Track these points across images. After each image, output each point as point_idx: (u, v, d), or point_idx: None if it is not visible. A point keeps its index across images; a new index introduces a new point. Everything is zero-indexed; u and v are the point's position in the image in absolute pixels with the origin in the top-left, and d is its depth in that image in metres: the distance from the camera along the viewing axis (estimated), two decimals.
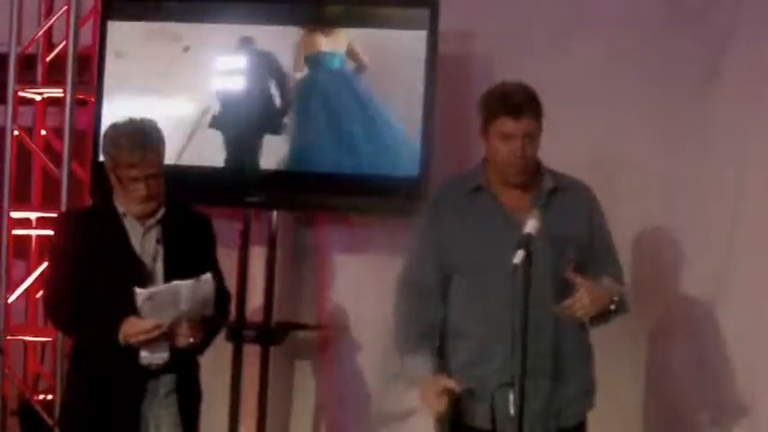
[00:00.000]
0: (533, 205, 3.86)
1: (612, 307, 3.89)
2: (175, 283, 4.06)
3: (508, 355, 3.74)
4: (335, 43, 5.35)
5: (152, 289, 4.04)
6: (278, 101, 5.40)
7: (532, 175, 3.97)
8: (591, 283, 3.84)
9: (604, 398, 4.15)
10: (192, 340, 4.14)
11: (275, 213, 5.50)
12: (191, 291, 4.06)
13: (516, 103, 3.87)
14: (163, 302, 4.03)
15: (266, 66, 5.41)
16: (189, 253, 4.25)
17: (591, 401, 4.06)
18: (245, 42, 5.43)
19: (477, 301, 3.94)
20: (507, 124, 3.87)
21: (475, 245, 3.91)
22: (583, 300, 3.78)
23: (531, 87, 3.94)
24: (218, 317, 4.29)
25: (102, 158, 4.31)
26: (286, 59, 5.39)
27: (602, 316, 3.92)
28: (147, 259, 4.20)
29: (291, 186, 5.39)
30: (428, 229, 4.06)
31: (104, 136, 4.29)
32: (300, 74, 5.38)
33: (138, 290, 4.01)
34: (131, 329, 4.04)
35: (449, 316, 4.03)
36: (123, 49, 5.56)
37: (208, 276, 4.11)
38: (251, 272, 5.58)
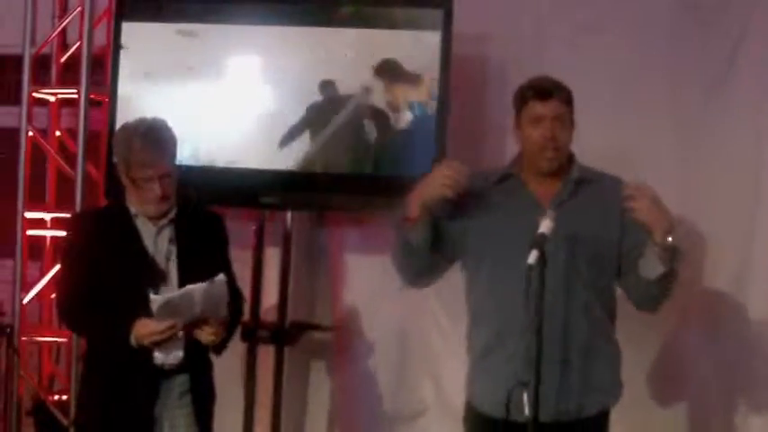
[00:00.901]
0: (557, 198, 3.90)
1: (669, 240, 3.73)
2: (190, 287, 4.04)
3: (520, 345, 3.76)
4: None
5: (167, 295, 4.03)
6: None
7: (563, 165, 3.98)
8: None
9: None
10: (214, 338, 4.15)
11: (290, 214, 5.51)
12: (205, 293, 4.05)
13: (544, 86, 3.94)
14: (178, 307, 4.03)
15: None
16: (202, 252, 4.25)
17: (613, 394, 4.03)
18: (263, 43, 5.44)
19: (496, 287, 3.95)
20: (536, 107, 3.93)
21: (497, 231, 3.90)
22: (644, 192, 3.73)
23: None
24: (232, 317, 4.29)
25: (115, 158, 4.27)
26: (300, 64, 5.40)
27: (665, 260, 3.77)
28: (159, 259, 4.19)
29: (306, 187, 5.38)
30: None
31: (116, 137, 4.29)
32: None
33: (153, 296, 4.00)
34: (144, 330, 4.04)
35: (472, 300, 4.08)
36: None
37: (221, 278, 4.10)
38: (265, 272, 5.58)
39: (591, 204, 3.96)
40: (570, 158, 4.03)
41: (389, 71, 5.29)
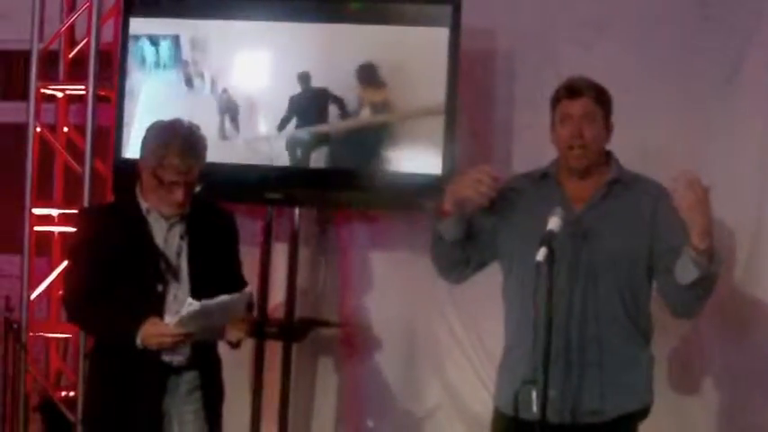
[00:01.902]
0: (589, 199, 3.89)
1: (706, 243, 3.65)
2: (226, 297, 4.02)
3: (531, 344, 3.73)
4: None
5: (205, 302, 3.97)
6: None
7: (596, 164, 3.95)
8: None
9: None
10: (243, 335, 4.17)
11: (297, 210, 5.51)
12: (233, 303, 4.06)
13: (575, 85, 3.94)
14: (209, 315, 4.01)
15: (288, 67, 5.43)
16: (212, 249, 4.24)
17: (637, 399, 3.96)
18: (267, 40, 5.44)
19: (520, 286, 3.92)
20: (566, 105, 3.93)
21: (526, 231, 3.84)
22: (694, 187, 3.61)
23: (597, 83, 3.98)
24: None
25: (140, 155, 4.19)
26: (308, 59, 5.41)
27: (703, 264, 3.67)
28: (170, 255, 4.17)
29: (314, 183, 5.38)
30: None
31: (150, 134, 4.19)
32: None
33: (191, 300, 3.97)
34: (153, 330, 4.01)
35: (505, 299, 4.07)
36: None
37: (249, 289, 4.14)
38: (273, 268, 5.58)
39: (622, 207, 3.91)
40: (608, 158, 4.00)
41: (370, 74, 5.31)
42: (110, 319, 4.12)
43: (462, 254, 4.04)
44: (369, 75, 5.30)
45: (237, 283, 4.25)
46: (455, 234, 3.96)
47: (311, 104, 5.38)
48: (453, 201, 3.88)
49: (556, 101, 3.97)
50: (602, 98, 3.95)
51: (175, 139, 4.10)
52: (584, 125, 3.90)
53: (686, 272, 3.71)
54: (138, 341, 4.01)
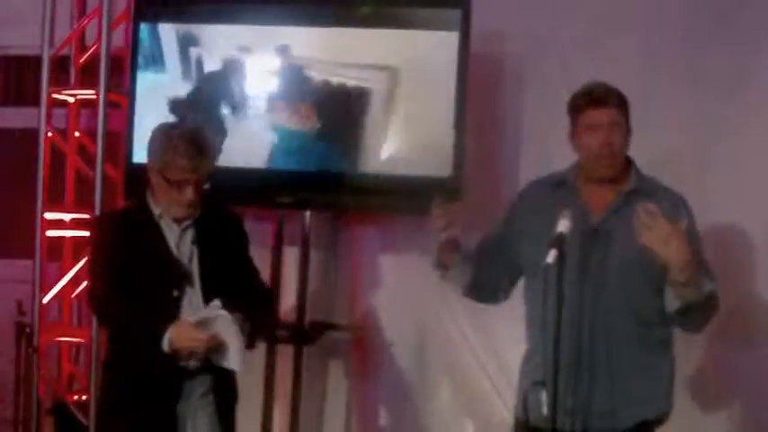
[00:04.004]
0: (607, 209, 3.89)
1: (685, 277, 3.63)
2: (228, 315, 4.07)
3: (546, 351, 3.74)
4: None
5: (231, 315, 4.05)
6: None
7: (618, 172, 3.94)
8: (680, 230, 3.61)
9: None
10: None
11: (308, 213, 5.52)
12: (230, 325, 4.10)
13: (599, 94, 3.91)
14: (215, 325, 4.06)
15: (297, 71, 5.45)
16: (222, 254, 4.24)
17: (653, 407, 3.94)
18: (281, 49, 5.46)
19: (534, 295, 3.91)
20: (591, 115, 3.89)
21: (544, 239, 3.76)
22: (661, 225, 3.58)
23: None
24: (261, 314, 4.34)
25: (147, 158, 4.21)
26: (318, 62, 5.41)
27: (687, 297, 3.69)
28: (183, 260, 4.19)
29: (324, 187, 5.39)
30: (498, 226, 4.15)
31: (155, 136, 4.21)
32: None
33: (217, 302, 4.04)
34: (188, 333, 4.02)
35: (526, 304, 4.08)
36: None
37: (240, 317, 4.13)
38: (284, 272, 5.58)
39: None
40: (628, 165, 3.99)
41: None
42: (138, 317, 4.11)
43: (490, 283, 4.10)
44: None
45: (250, 287, 4.28)
46: (465, 279, 4.06)
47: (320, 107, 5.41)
48: (439, 254, 3.96)
49: (577, 109, 3.93)
50: (623, 103, 3.94)
51: (181, 138, 4.11)
52: (612, 134, 3.88)
53: (672, 301, 3.76)
54: (165, 343, 4.01)
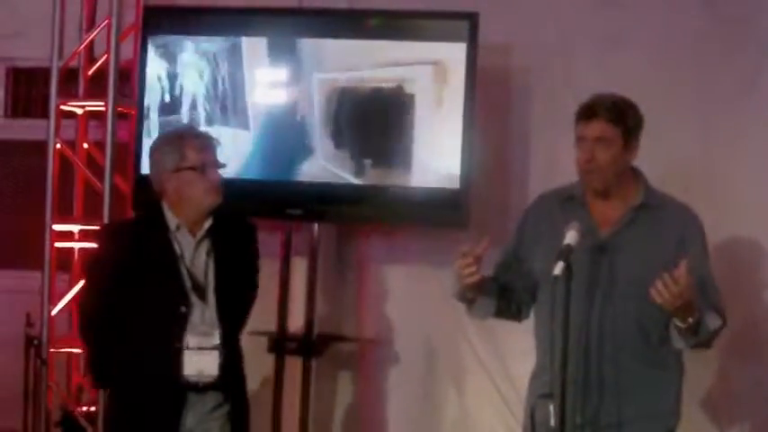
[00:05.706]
0: (615, 224, 3.85)
1: (683, 323, 3.66)
2: None
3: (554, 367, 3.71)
4: None
5: None
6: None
7: (618, 184, 3.88)
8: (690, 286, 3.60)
9: None
10: None
11: (317, 225, 5.52)
12: None
13: (590, 106, 3.86)
14: None
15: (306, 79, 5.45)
16: (236, 265, 4.21)
17: (656, 425, 3.91)
18: (290, 56, 5.47)
19: (543, 310, 3.92)
20: (580, 128, 3.86)
21: (553, 250, 3.71)
22: (671, 289, 3.56)
23: (624, 99, 3.90)
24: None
25: (153, 170, 4.18)
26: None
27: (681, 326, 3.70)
28: (198, 273, 4.13)
29: (333, 199, 5.39)
30: (511, 240, 4.12)
31: (156, 144, 4.22)
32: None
33: None
34: None
35: (536, 317, 4.06)
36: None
37: None
38: (293, 283, 5.60)
39: (647, 233, 3.85)
40: (636, 178, 3.94)
41: None
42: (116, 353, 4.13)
43: (511, 305, 4.07)
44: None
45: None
46: (490, 312, 4.03)
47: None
48: (461, 290, 3.90)
49: (575, 123, 3.89)
50: (617, 117, 3.83)
51: (182, 130, 4.27)
52: (596, 148, 3.81)
53: (676, 340, 3.77)
54: None
